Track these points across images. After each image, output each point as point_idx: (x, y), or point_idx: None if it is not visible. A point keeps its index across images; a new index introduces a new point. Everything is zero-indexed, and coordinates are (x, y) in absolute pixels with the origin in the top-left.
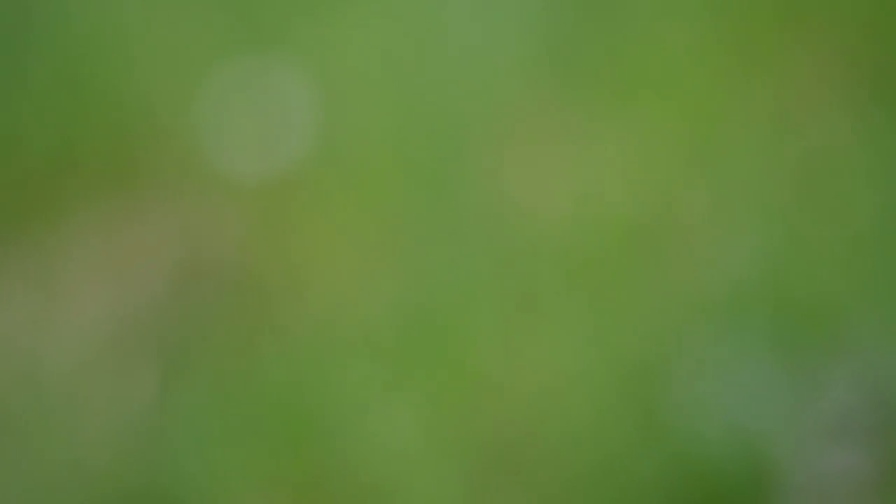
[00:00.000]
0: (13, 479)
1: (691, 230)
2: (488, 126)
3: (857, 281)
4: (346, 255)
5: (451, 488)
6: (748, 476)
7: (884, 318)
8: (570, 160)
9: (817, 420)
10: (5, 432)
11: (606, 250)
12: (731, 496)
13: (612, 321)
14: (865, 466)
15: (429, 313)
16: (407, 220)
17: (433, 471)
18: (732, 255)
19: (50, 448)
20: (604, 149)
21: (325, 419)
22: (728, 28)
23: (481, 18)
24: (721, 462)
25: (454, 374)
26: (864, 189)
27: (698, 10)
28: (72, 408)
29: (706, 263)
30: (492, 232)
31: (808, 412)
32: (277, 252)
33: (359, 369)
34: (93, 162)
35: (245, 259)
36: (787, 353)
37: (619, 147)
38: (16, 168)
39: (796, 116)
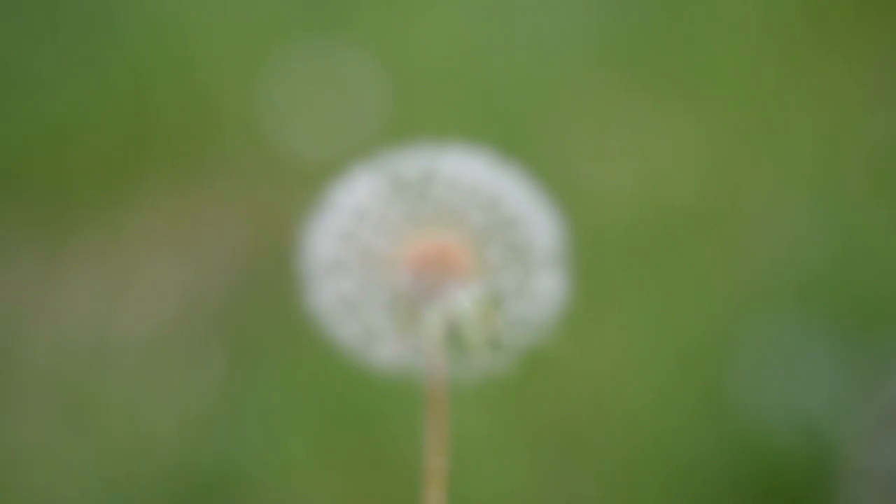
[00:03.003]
0: (85, 455)
1: (756, 216)
2: (556, 110)
3: None
4: None
5: (515, 468)
6: (809, 461)
7: None
8: (637, 145)
9: (878, 407)
10: (77, 409)
11: (672, 234)
12: (792, 480)
13: (677, 304)
14: None
15: None
16: None
17: (498, 451)
18: (797, 242)
19: (120, 425)
20: (670, 134)
21: (389, 401)
22: (798, 15)
23: (550, 5)
24: (782, 447)
25: (519, 358)
26: None
27: None
28: (142, 386)
29: (770, 250)
30: (558, 214)
31: (869, 400)
32: None
33: None
34: (164, 145)
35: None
36: (849, 341)
37: (686, 132)
38: (90, 150)
39: (866, 106)
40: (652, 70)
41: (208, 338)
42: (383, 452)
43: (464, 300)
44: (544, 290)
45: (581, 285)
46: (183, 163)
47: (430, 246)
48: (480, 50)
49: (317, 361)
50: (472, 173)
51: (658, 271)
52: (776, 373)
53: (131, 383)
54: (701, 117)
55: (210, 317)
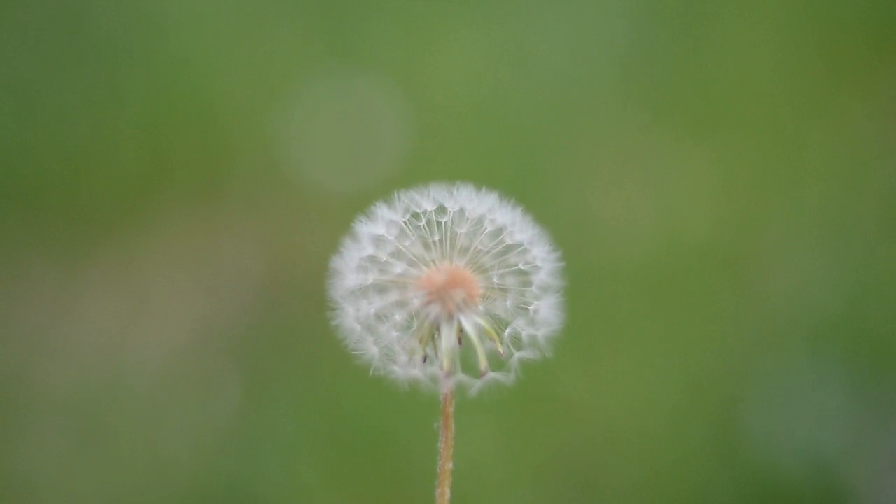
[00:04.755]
0: (100, 480)
1: (770, 255)
2: (574, 147)
3: None
4: None
5: (526, 497)
6: (819, 498)
7: None
8: (653, 183)
9: (888, 446)
10: (92, 434)
11: (686, 272)
12: None
13: (690, 341)
14: None
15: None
16: None
17: (508, 483)
18: (810, 281)
19: (134, 449)
20: (687, 173)
21: (403, 431)
22: (814, 57)
23: (569, 42)
24: (793, 483)
25: (532, 390)
26: None
27: (784, 38)
28: (157, 412)
29: (784, 289)
30: (575, 251)
31: (879, 438)
32: None
33: None
34: (182, 172)
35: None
36: (861, 380)
37: (702, 172)
38: (108, 177)
39: (882, 147)
40: (669, 110)
41: (223, 363)
42: (393, 479)
43: (471, 322)
44: (544, 313)
45: (595, 319)
46: (200, 190)
47: (440, 272)
48: (500, 85)
49: (329, 388)
50: (479, 208)
51: (672, 308)
52: (788, 410)
53: (146, 408)
54: (717, 157)
55: (224, 343)
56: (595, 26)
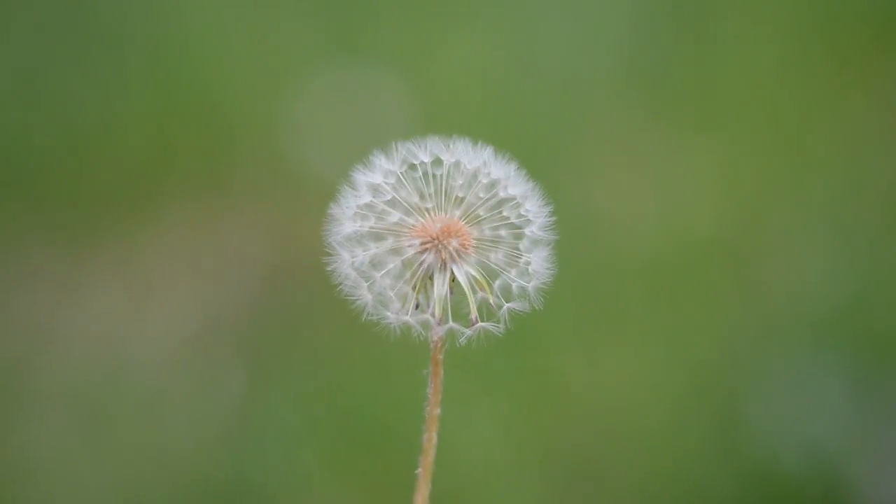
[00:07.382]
0: (103, 470)
1: (773, 249)
2: (577, 140)
3: None
4: None
5: (529, 490)
6: (820, 492)
7: None
8: (657, 176)
9: (889, 440)
10: (96, 425)
11: (689, 265)
12: None
13: (692, 334)
14: None
15: (514, 324)
16: None
17: (512, 475)
18: (813, 275)
19: (138, 440)
20: (690, 166)
21: (405, 421)
22: (817, 52)
23: (574, 35)
24: (794, 476)
25: (537, 383)
26: None
27: (787, 32)
28: (160, 402)
29: (786, 282)
30: (578, 244)
31: (880, 432)
32: None
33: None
34: (187, 161)
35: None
36: (862, 374)
37: (706, 165)
38: (113, 165)
39: (884, 141)
40: (673, 103)
41: (226, 353)
42: (395, 468)
43: (463, 272)
44: (535, 265)
45: (599, 312)
46: (204, 180)
47: (435, 221)
48: (505, 77)
49: (332, 377)
50: (475, 161)
51: (675, 301)
52: (789, 403)
53: (149, 397)
54: (721, 151)
55: (228, 332)
56: (600, 19)
